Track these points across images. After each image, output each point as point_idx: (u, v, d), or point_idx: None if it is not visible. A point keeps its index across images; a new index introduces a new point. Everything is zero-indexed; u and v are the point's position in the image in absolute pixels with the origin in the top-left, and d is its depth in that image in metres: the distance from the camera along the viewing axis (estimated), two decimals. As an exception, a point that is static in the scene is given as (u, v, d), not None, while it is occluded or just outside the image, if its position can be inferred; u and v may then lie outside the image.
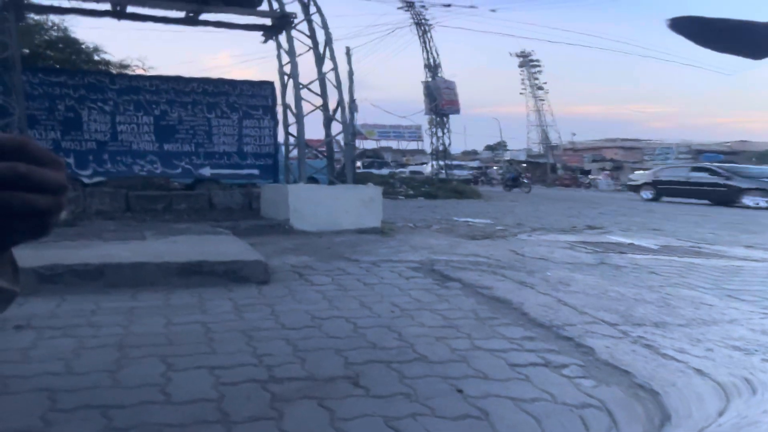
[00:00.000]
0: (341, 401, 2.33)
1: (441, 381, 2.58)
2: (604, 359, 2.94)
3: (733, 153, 42.37)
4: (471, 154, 61.64)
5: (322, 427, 2.12)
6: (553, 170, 48.68)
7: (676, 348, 3.12)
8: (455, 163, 33.74)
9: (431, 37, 30.35)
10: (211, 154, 9.48)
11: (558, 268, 5.52)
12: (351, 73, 9.53)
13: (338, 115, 9.34)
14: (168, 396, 2.32)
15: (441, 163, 29.12)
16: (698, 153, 42.41)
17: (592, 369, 2.81)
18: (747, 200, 18.41)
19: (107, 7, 9.07)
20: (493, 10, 50.69)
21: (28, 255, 4.03)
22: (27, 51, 12.29)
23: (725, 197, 19.03)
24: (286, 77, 9.62)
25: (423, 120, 34.73)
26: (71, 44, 15.02)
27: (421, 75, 30.42)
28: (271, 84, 9.98)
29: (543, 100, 52.68)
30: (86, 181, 9.07)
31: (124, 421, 2.08)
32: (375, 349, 2.99)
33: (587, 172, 47.23)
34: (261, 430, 2.09)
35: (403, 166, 33.54)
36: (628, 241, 7.99)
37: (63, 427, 2.04)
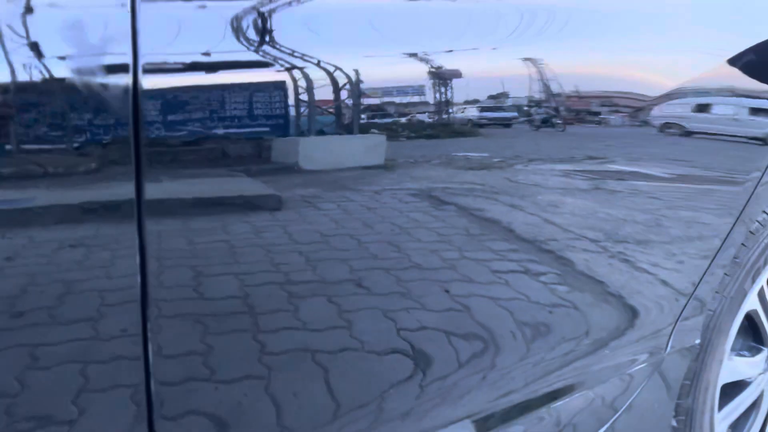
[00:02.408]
0: (346, 298, 2.71)
1: (432, 284, 2.94)
2: (580, 270, 3.30)
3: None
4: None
5: (331, 316, 2.51)
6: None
7: (651, 262, 3.45)
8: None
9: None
10: None
11: (549, 193, 5.81)
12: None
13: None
14: (201, 294, 2.73)
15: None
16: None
17: (569, 277, 3.17)
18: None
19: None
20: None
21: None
22: None
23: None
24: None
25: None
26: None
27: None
28: None
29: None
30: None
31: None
32: (376, 259, 3.35)
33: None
34: (281, 318, 2.48)
35: (403, 115, 33.45)
36: (631, 169, 8.17)
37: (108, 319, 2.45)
